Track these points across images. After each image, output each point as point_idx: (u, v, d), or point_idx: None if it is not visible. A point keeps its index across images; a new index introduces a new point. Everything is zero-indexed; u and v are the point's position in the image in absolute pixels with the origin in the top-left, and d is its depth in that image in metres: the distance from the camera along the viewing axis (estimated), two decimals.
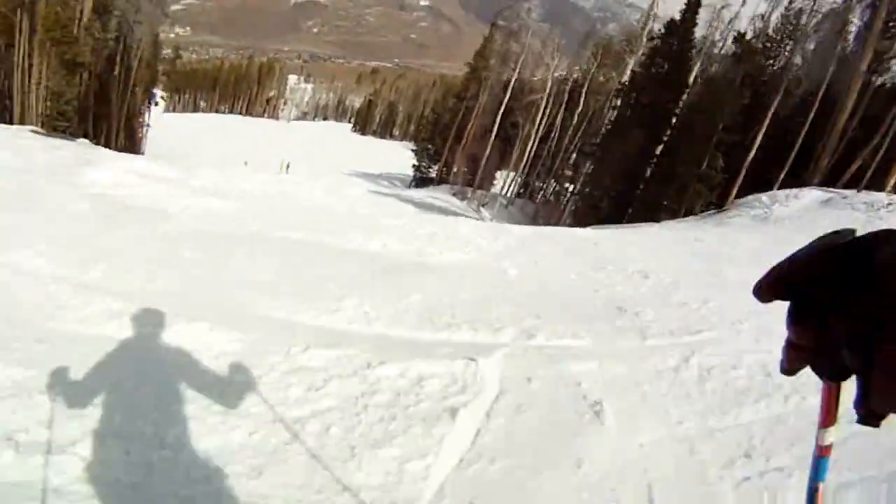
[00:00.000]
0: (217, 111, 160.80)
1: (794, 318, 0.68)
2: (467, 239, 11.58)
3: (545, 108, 53.64)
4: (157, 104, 62.64)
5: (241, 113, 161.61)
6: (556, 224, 35.02)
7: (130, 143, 56.44)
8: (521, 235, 13.11)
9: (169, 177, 19.40)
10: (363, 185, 44.64)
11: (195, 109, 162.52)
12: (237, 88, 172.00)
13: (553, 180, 53.31)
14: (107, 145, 46.61)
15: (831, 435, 0.78)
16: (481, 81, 57.76)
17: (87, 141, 40.37)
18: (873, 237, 0.61)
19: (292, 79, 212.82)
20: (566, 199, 48.86)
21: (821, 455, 0.81)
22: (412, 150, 72.84)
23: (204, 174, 22.36)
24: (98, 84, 51.28)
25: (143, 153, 54.29)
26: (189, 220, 11.24)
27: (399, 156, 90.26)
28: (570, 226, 30.40)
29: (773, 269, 0.67)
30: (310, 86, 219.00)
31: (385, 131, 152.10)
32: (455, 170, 59.21)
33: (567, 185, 50.94)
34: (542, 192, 54.90)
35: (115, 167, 17.78)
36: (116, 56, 52.37)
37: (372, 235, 10.96)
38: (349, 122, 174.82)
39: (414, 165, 66.29)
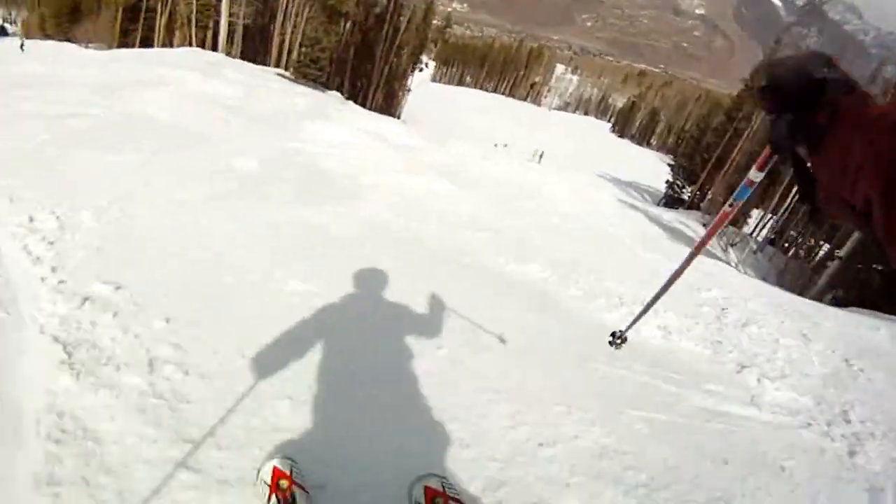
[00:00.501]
0: (482, 88, 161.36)
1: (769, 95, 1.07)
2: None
3: None
4: (421, 70, 62.19)
5: (504, 93, 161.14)
6: (803, 292, 29.37)
7: (388, 104, 56.23)
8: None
9: (410, 144, 18.49)
10: (611, 191, 41.88)
11: (460, 83, 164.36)
12: (504, 68, 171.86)
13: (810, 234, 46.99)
14: (362, 102, 47.09)
15: (758, 176, 1.38)
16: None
17: (338, 94, 40.78)
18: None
19: (559, 68, 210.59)
20: (816, 258, 42.40)
21: (747, 185, 1.45)
22: (668, 165, 68.90)
23: (452, 148, 21.81)
24: (361, 38, 51.27)
25: (399, 116, 54.05)
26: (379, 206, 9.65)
27: (653, 166, 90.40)
28: (830, 299, 26.61)
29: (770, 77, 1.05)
30: (575, 77, 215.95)
31: (643, 138, 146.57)
32: (709, 196, 54.91)
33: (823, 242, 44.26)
34: (794, 245, 48.28)
35: (350, 125, 17.29)
36: (386, 14, 51.77)
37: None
38: (609, 120, 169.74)
39: (668, 182, 62.94)
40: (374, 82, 53.88)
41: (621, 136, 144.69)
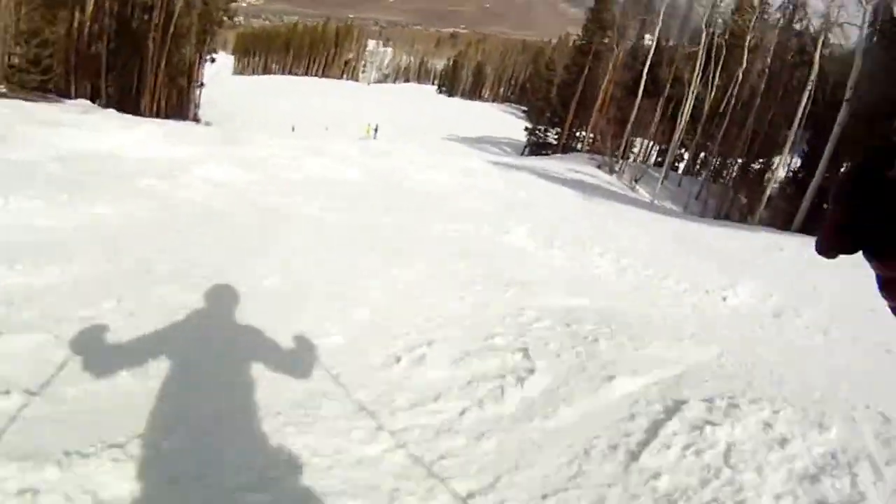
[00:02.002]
0: (290, 73, 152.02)
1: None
2: None
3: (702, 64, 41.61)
4: (213, 60, 52.81)
5: (316, 75, 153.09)
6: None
7: (176, 104, 46.21)
8: None
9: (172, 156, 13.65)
10: (474, 155, 35.88)
11: (266, 72, 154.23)
12: (313, 51, 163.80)
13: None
14: (135, 108, 37.12)
15: None
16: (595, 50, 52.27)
17: (87, 102, 31.00)
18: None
19: (371, 43, 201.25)
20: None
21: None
22: (523, 112, 63.89)
23: (247, 147, 17.59)
24: (117, 28, 40.11)
25: (195, 118, 46.16)
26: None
27: (495, 118, 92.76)
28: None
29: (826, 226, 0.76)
30: (389, 49, 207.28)
31: (473, 93, 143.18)
32: (589, 136, 51.22)
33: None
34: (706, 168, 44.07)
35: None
36: None
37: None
38: (432, 83, 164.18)
39: (527, 129, 59.40)
40: (146, 82, 42.27)
41: (450, 95, 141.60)
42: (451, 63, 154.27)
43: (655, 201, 32.78)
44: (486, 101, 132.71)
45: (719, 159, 40.90)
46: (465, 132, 66.90)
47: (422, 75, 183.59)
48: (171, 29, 42.63)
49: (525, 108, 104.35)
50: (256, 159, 14.86)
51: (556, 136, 55.09)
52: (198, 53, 49.23)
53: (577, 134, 53.51)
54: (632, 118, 42.92)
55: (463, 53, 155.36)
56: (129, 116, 24.71)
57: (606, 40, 50.71)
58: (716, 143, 39.44)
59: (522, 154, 54.30)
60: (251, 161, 14.28)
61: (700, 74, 40.61)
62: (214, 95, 54.35)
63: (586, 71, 51.57)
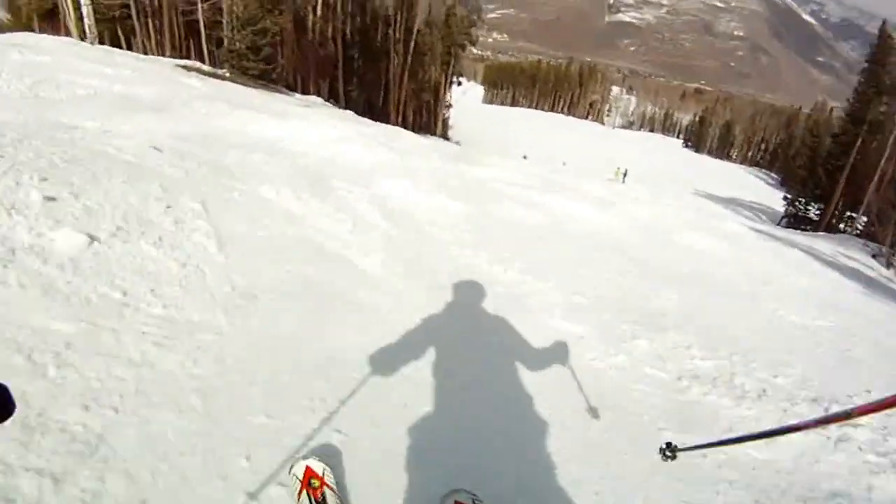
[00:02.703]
0: (537, 108, 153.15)
1: None
2: None
3: None
4: (459, 83, 55.37)
5: (562, 112, 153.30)
6: None
7: (423, 120, 47.66)
8: None
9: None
10: (728, 217, 32.97)
11: (513, 104, 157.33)
12: (558, 88, 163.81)
13: None
14: (380, 116, 37.63)
15: None
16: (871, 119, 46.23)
17: (319, 99, 31.00)
18: None
19: (614, 89, 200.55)
20: None
21: None
22: (773, 179, 60.04)
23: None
24: (353, 32, 41.15)
25: (445, 136, 47.49)
26: None
27: (744, 181, 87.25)
28: None
29: None
30: (633, 97, 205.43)
31: (721, 151, 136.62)
32: (861, 218, 45.56)
33: None
34: None
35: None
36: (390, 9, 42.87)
37: None
38: (677, 137, 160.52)
39: (786, 199, 54.94)
40: (393, 93, 42.84)
41: (697, 150, 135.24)
42: (698, 119, 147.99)
43: None
44: (734, 161, 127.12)
45: None
46: (712, 190, 63.58)
47: (666, 127, 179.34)
48: (413, 44, 43.21)
49: (776, 175, 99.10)
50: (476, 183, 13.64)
51: (818, 212, 50.67)
52: (443, 74, 50.23)
53: (845, 214, 48.40)
54: None
55: (710, 110, 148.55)
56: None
57: (884, 108, 45.36)
58: None
59: (778, 224, 50.06)
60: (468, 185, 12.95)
61: None
62: (464, 119, 55.22)
63: (858, 143, 46.34)
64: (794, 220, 51.60)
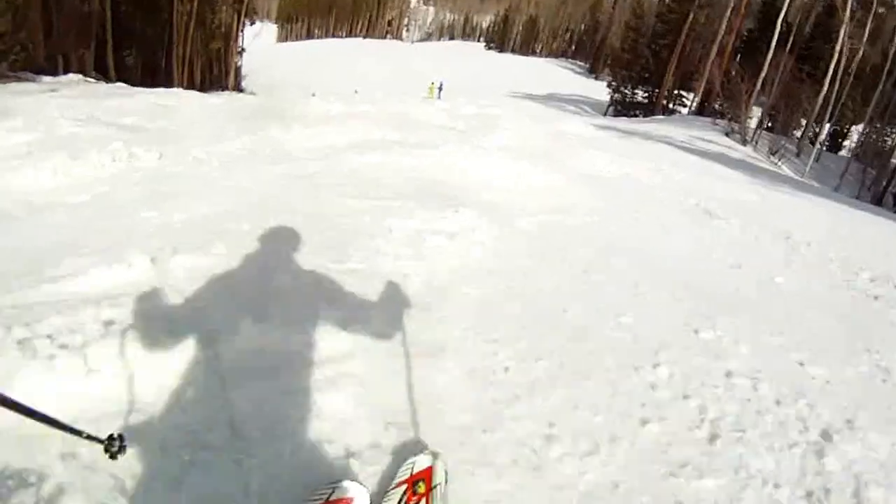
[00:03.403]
0: (335, 36, 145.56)
1: None
2: None
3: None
4: (252, 23, 49.03)
5: (359, 36, 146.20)
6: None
7: (215, 74, 39.96)
8: None
9: None
10: (564, 119, 29.52)
11: (308, 37, 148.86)
12: (355, 12, 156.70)
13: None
14: (160, 81, 30.52)
15: None
16: None
17: (78, 76, 24.21)
18: None
19: (413, 2, 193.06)
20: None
21: None
22: (582, 67, 61.34)
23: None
24: None
25: (235, 87, 40.24)
26: None
27: (554, 74, 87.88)
28: None
29: None
30: (431, 7, 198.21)
31: (525, 48, 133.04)
32: (697, 97, 43.46)
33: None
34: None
35: None
36: None
37: None
38: (478, 40, 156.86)
39: (611, 86, 53.45)
40: (177, 49, 35.26)
41: (501, 51, 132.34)
42: (502, 18, 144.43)
43: (803, 180, 27.02)
44: (540, 56, 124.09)
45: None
46: (527, 89, 60.94)
47: (466, 32, 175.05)
48: None
49: (583, 64, 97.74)
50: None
51: (645, 95, 48.99)
52: (235, 14, 41.94)
53: (673, 94, 47.02)
54: (761, 76, 34.29)
55: (514, 7, 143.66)
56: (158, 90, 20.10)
57: None
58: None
59: (605, 114, 48.07)
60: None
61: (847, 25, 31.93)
62: (257, 65, 48.98)
63: (690, 19, 44.63)
64: (622, 107, 50.22)
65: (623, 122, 33.94)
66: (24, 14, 25.49)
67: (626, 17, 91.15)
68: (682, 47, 44.99)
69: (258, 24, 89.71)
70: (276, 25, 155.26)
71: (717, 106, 37.65)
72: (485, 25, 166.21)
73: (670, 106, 47.03)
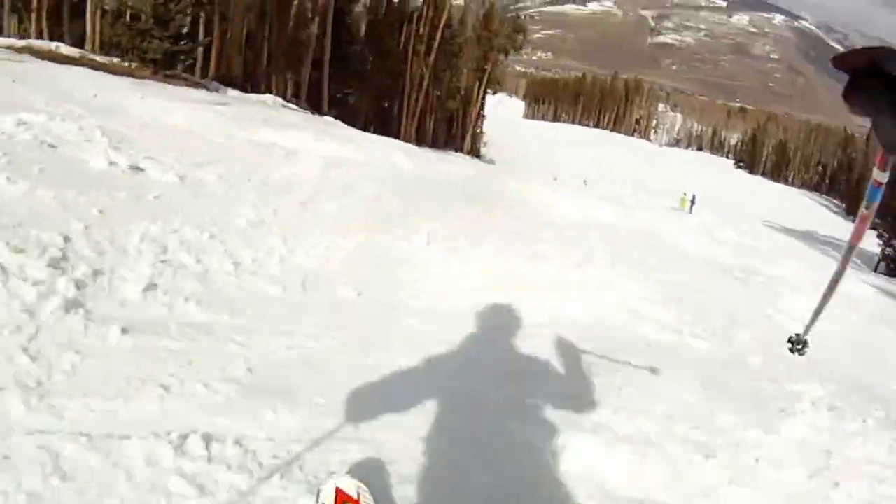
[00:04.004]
0: (581, 124, 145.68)
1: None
2: None
3: None
4: (495, 92, 50.14)
5: (606, 128, 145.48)
6: None
7: (449, 133, 40.72)
8: None
9: None
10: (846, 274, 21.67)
11: (555, 119, 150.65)
12: (602, 104, 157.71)
13: None
14: (383, 127, 30.22)
15: (882, 176, 1.23)
16: None
17: (275, 99, 22.56)
18: None
19: (660, 107, 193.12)
20: None
21: (875, 186, 1.28)
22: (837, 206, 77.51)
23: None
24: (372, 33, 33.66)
25: (470, 150, 40.23)
26: None
27: (808, 208, 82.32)
28: None
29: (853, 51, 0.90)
30: (678, 114, 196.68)
31: (776, 174, 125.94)
32: None
33: None
34: None
35: None
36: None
37: None
38: (726, 156, 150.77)
39: (882, 237, 46.24)
40: (410, 99, 35.14)
41: (751, 172, 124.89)
42: (749, 137, 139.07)
43: None
44: (791, 185, 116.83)
45: None
46: (781, 220, 55.37)
47: (714, 146, 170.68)
48: (439, 40, 35.76)
49: (838, 202, 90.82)
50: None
51: None
52: (477, 81, 42.76)
53: None
54: None
55: (761, 128, 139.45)
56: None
57: None
58: None
59: (875, 270, 41.76)
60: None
61: None
62: (502, 136, 49.64)
63: None
64: (894, 264, 44.11)
65: None
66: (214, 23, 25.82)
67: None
68: None
69: (504, 96, 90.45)
70: (523, 102, 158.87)
71: None
72: (733, 142, 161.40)
73: None
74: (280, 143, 10.88)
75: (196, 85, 19.56)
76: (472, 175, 14.81)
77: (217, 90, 19.74)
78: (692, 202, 41.78)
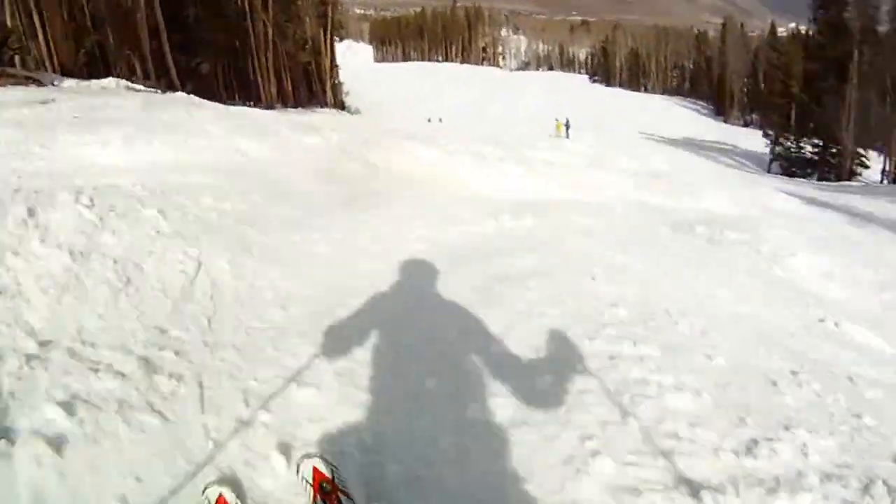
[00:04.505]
0: (430, 60, 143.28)
1: None
2: None
3: None
4: (340, 39, 50.57)
5: (455, 60, 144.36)
6: None
7: (309, 90, 37.51)
8: None
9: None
10: (758, 183, 23.46)
11: (405, 59, 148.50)
12: (447, 36, 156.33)
13: None
14: (243, 92, 29.20)
15: None
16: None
17: (119, 82, 18.58)
18: None
19: (502, 31, 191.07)
20: None
21: None
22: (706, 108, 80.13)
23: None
24: None
25: (336, 104, 37.95)
26: None
27: (678, 114, 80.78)
28: None
29: None
30: (522, 37, 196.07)
31: (635, 83, 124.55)
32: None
33: None
34: None
35: None
36: None
37: None
38: (578, 72, 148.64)
39: (769, 136, 46.05)
40: (261, 59, 31.36)
41: (608, 84, 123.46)
42: (601, 50, 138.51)
43: None
44: (652, 92, 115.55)
45: None
46: (657, 131, 55.09)
47: (564, 63, 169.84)
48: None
49: (705, 104, 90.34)
50: None
51: (815, 151, 41.37)
52: (321, 29, 38.99)
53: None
54: None
55: (610, 40, 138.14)
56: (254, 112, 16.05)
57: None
58: None
59: (769, 171, 41.07)
60: None
61: None
62: (359, 84, 47.66)
63: (855, 55, 37.03)
64: (787, 163, 42.48)
65: (808, 188, 26.29)
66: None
67: (739, 53, 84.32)
68: (851, 94, 36.99)
69: (352, 42, 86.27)
70: (371, 46, 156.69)
71: None
72: (582, 57, 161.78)
73: (853, 167, 38.93)
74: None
75: (26, 80, 16.22)
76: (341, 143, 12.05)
77: (52, 82, 16.73)
78: (567, 126, 39.75)
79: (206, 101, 15.45)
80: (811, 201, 17.94)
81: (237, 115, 12.99)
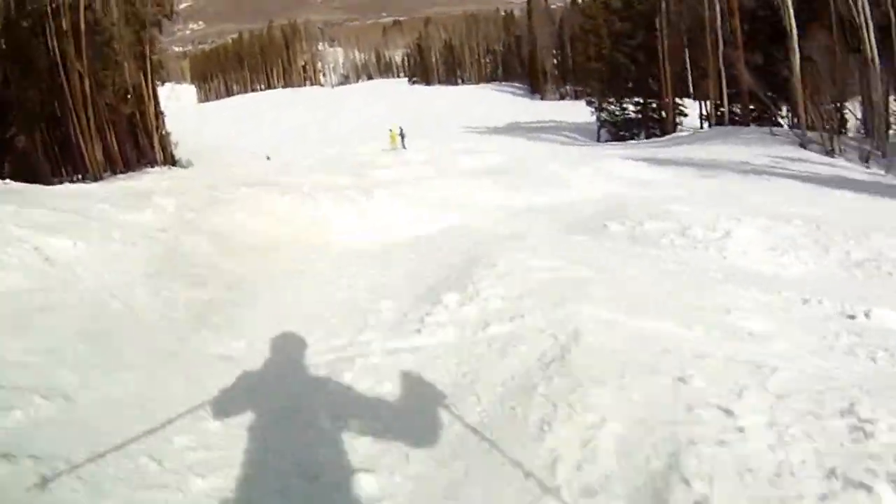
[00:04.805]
0: (253, 90, 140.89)
1: None
2: None
3: None
4: (163, 83, 46.21)
5: (279, 86, 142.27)
6: None
7: (136, 145, 33.78)
8: None
9: None
10: (596, 158, 22.73)
11: (228, 94, 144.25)
12: (266, 59, 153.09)
13: None
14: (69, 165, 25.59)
15: None
16: None
17: None
18: None
19: (319, 46, 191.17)
20: None
21: None
22: (522, 89, 77.82)
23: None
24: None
25: (166, 159, 34.55)
26: None
27: (498, 101, 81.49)
28: None
29: None
30: (338, 49, 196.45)
31: (453, 78, 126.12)
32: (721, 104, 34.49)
33: None
34: None
35: None
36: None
37: None
38: (398, 76, 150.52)
39: (592, 104, 46.39)
40: (81, 119, 28.28)
41: (428, 84, 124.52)
42: (415, 49, 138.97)
43: None
44: (470, 83, 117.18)
45: None
46: (483, 122, 55.52)
47: (382, 69, 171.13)
48: (83, 32, 28.90)
49: (521, 85, 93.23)
50: None
51: (637, 110, 42.66)
52: (141, 73, 35.73)
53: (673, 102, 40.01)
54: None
55: (424, 36, 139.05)
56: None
57: None
58: None
59: (599, 139, 42.67)
60: None
61: None
62: (184, 129, 43.23)
63: (663, 6, 38.23)
64: (616, 128, 43.90)
65: (646, 149, 28.34)
66: None
67: (546, 27, 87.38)
68: (664, 45, 38.41)
69: (173, 84, 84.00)
70: (193, 86, 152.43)
71: (749, 111, 31.51)
72: (399, 60, 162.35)
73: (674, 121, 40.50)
74: None
75: None
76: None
77: None
78: (402, 136, 39.24)
79: (25, 185, 14.06)
80: (647, 162, 18.84)
81: (50, 198, 10.98)
